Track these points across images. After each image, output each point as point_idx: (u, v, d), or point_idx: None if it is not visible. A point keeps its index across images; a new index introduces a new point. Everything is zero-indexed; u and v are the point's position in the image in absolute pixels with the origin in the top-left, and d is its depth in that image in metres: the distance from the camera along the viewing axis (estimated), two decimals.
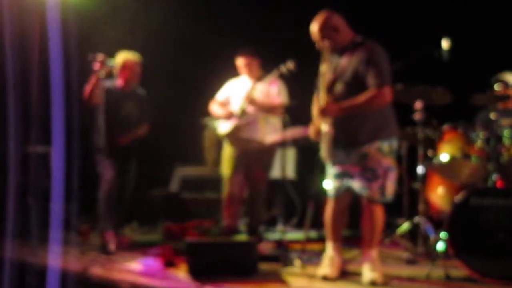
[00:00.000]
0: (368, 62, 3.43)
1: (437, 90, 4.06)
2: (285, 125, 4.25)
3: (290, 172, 5.73)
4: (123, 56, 4.73)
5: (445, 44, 4.04)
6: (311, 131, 3.65)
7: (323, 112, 3.50)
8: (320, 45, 3.57)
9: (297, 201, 5.58)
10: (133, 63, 4.74)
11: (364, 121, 3.48)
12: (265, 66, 4.72)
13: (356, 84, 3.47)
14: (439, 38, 4.08)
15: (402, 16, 5.40)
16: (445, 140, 4.07)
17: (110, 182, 4.44)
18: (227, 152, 4.76)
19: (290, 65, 4.38)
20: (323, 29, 3.54)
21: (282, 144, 4.43)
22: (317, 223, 4.42)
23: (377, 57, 3.45)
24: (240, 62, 4.71)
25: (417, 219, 4.13)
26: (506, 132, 3.85)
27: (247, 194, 4.82)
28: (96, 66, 4.34)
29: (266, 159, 4.73)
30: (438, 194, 4.34)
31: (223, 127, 4.71)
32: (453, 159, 3.98)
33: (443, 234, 3.78)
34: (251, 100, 4.58)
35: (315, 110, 3.64)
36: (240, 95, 4.68)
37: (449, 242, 3.52)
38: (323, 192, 3.83)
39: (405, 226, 4.26)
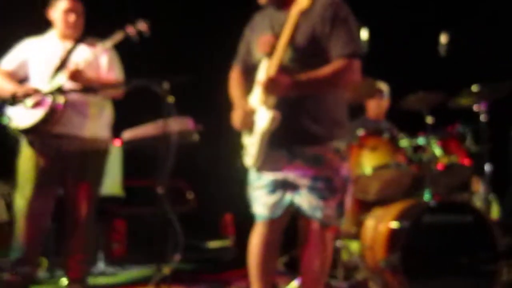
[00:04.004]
0: (333, 22, 2.36)
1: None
2: (169, 113, 2.92)
3: (116, 185, 4.18)
4: None
5: (443, 38, 3.50)
6: (236, 117, 2.44)
7: (270, 86, 2.32)
8: None
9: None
10: None
11: (323, 108, 2.41)
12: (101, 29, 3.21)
13: (311, 51, 2.38)
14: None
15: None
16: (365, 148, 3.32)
17: None
18: (27, 157, 3.10)
19: (141, 26, 3.12)
20: None
21: (163, 139, 2.97)
22: None
23: (346, 17, 2.40)
24: (62, 6, 3.16)
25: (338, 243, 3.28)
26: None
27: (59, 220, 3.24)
28: None
29: (97, 168, 3.25)
30: None
31: (20, 116, 3.05)
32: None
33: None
34: (73, 72, 3.01)
35: (234, 89, 2.54)
36: (49, 62, 3.13)
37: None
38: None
39: None
